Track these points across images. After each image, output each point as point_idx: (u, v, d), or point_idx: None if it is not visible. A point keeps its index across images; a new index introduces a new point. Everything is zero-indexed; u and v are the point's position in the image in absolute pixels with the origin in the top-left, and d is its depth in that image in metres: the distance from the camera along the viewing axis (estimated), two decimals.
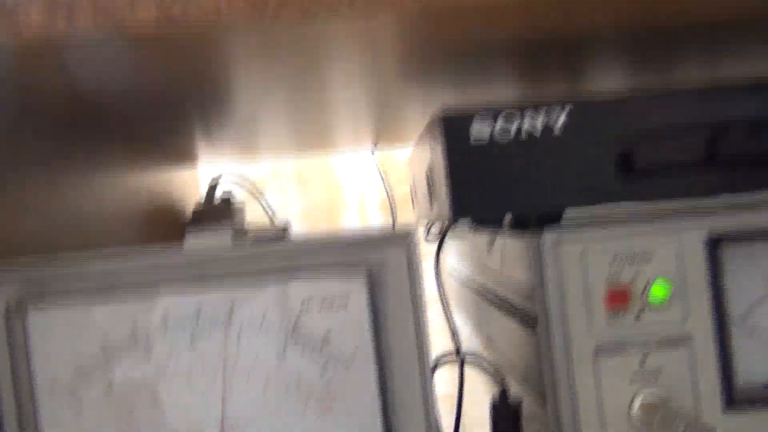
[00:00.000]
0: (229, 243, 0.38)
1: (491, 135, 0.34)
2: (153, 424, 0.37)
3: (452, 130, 0.35)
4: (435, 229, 0.56)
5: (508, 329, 0.49)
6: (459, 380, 0.52)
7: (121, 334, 0.37)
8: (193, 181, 0.93)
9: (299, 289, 0.37)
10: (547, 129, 0.35)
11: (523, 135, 0.35)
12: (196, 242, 0.38)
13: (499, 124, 0.35)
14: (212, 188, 0.84)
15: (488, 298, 0.55)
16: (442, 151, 0.35)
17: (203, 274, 0.37)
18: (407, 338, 0.38)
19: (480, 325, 0.63)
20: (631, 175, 0.36)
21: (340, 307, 0.37)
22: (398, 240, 0.37)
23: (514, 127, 0.34)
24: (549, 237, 0.36)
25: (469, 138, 0.34)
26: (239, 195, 0.85)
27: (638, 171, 0.36)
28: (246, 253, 0.37)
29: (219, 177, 0.84)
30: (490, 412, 0.39)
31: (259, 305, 0.37)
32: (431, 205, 0.45)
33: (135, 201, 0.69)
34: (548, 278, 0.36)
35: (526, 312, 0.44)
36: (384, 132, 0.84)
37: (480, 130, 0.34)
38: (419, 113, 0.68)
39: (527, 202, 0.36)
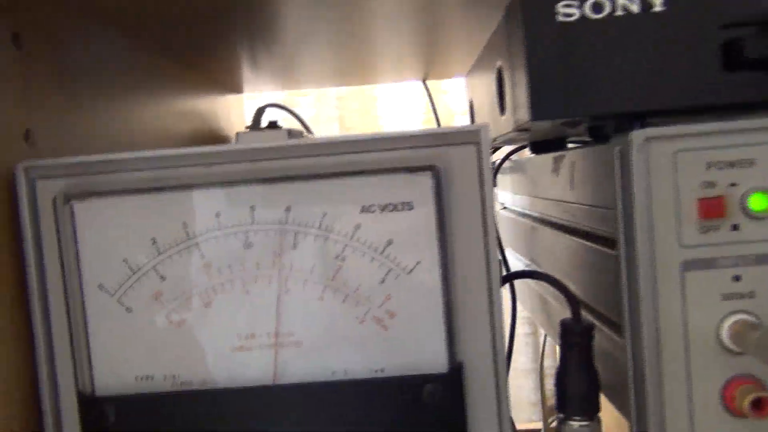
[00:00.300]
0: (286, 139, 0.36)
1: (581, 10, 0.30)
2: (203, 328, 0.35)
3: (534, 7, 0.31)
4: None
5: (576, 255, 0.46)
6: (511, 297, 0.49)
7: (172, 231, 0.34)
8: (239, 108, 0.91)
9: (361, 190, 0.34)
10: (646, 4, 0.30)
11: (619, 10, 0.30)
12: (250, 138, 0.36)
13: None
14: (259, 113, 0.82)
15: (553, 226, 0.52)
16: (522, 35, 0.31)
17: (258, 172, 0.35)
18: (474, 245, 0.35)
19: (538, 256, 0.59)
20: (737, 70, 0.32)
21: (405, 209, 0.34)
22: (468, 137, 0.34)
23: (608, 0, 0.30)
24: (637, 137, 0.33)
25: (554, 16, 0.30)
26: (284, 124, 0.83)
27: (746, 64, 0.31)
28: (305, 144, 0.34)
29: (266, 105, 0.82)
30: (560, 331, 0.36)
31: (318, 207, 0.34)
32: (502, 113, 0.41)
33: (187, 124, 0.68)
34: (634, 185, 0.33)
35: (600, 233, 0.41)
36: (432, 64, 0.80)
37: (568, 4, 0.30)
38: (469, 43, 0.64)
39: (617, 97, 0.33)
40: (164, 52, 0.61)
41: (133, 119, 0.53)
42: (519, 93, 0.35)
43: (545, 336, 0.86)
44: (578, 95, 0.32)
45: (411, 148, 0.34)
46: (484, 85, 0.50)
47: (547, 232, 0.53)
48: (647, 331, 0.33)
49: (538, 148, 0.57)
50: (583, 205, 0.43)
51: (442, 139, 0.34)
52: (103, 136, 0.47)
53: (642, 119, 0.35)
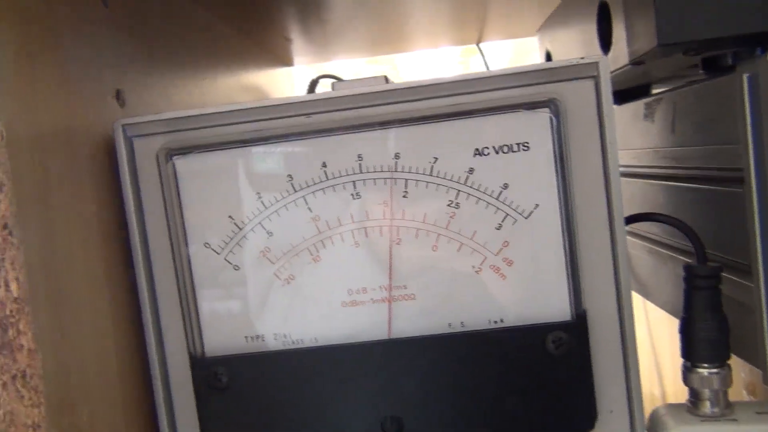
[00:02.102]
0: (384, 85, 0.34)
1: None
2: (313, 284, 0.34)
3: None
4: None
5: (683, 201, 0.44)
6: None
7: (278, 184, 0.33)
8: (290, 83, 0.90)
9: (474, 132, 0.32)
10: None
11: None
12: (347, 86, 0.34)
13: None
14: (313, 84, 0.81)
15: (648, 177, 0.49)
16: None
17: (363, 119, 0.33)
18: (595, 186, 0.33)
19: (632, 210, 0.57)
20: None
21: (522, 150, 0.32)
22: (585, 70, 0.32)
23: None
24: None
25: None
26: None
27: None
28: (409, 87, 0.33)
29: (320, 76, 0.81)
30: (685, 276, 0.34)
31: (428, 152, 0.33)
32: (605, 52, 0.39)
33: (248, 96, 0.67)
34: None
35: (714, 175, 0.38)
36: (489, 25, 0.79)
37: None
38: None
39: (745, 16, 0.30)
40: (228, 21, 0.59)
41: (204, 88, 0.52)
42: (638, 21, 0.33)
43: None
44: (706, 15, 0.30)
45: (523, 86, 0.33)
46: (573, 31, 0.47)
47: (639, 184, 0.51)
48: None
49: (621, 98, 0.54)
50: (691, 146, 0.41)
51: (557, 74, 0.32)
52: (181, 102, 0.46)
53: (766, 45, 0.33)
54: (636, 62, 0.34)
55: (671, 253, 0.47)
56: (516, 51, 1.10)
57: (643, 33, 0.32)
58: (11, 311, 0.27)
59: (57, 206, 0.29)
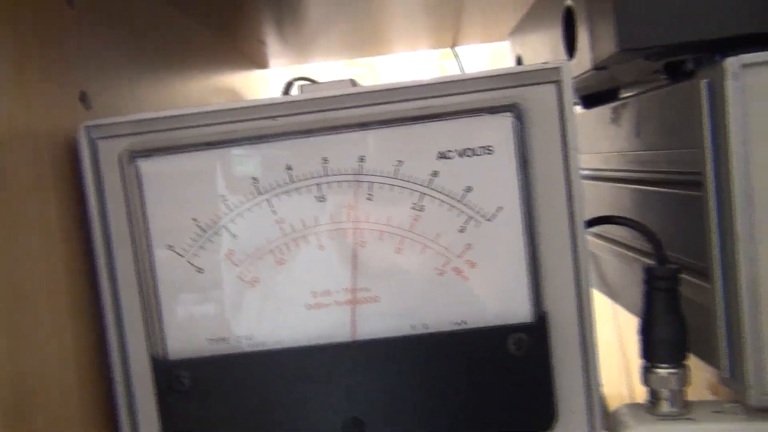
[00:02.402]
0: (351, 88, 0.34)
1: None
2: (277, 286, 0.34)
3: None
4: None
5: (645, 204, 0.44)
6: None
7: (242, 187, 0.33)
8: (264, 83, 0.90)
9: (437, 136, 0.33)
10: None
11: None
12: (314, 89, 0.34)
13: None
14: (288, 86, 0.81)
15: (613, 180, 0.50)
16: None
17: (328, 122, 0.33)
18: (557, 190, 0.33)
19: (597, 212, 0.58)
20: None
21: (485, 153, 0.33)
22: (548, 75, 0.33)
23: None
24: (731, 64, 0.31)
25: None
26: None
27: None
28: (375, 90, 0.33)
29: (295, 78, 0.81)
30: (645, 277, 0.35)
31: (392, 155, 0.33)
32: (570, 57, 0.39)
33: (221, 98, 0.67)
34: (730, 116, 0.31)
35: (675, 178, 0.39)
36: (463, 30, 0.79)
37: None
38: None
39: (706, 22, 0.31)
40: (200, 22, 0.59)
41: (174, 90, 0.52)
42: (600, 26, 0.33)
43: None
44: (666, 21, 0.31)
45: (486, 90, 0.33)
46: (541, 36, 0.48)
47: (606, 187, 0.51)
48: (746, 271, 0.32)
49: (589, 102, 0.55)
50: (654, 150, 0.42)
51: (519, 79, 0.33)
52: (150, 104, 0.45)
53: (725, 51, 0.34)
54: (598, 67, 0.35)
55: (637, 256, 0.47)
56: (493, 55, 1.11)
57: (605, 38, 0.33)
58: None
59: (17, 209, 0.29)
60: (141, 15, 0.46)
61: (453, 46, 0.87)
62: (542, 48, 0.48)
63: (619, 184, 0.49)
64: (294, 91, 0.80)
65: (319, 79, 0.83)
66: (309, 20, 0.67)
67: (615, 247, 0.52)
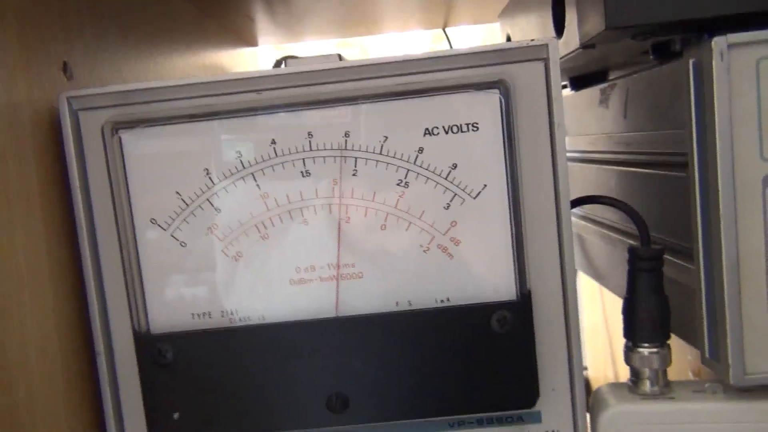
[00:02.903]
0: (337, 62, 0.34)
1: None
2: (261, 261, 0.33)
3: None
4: None
5: (632, 186, 0.44)
6: None
7: (226, 160, 0.33)
8: (253, 61, 0.89)
9: (424, 111, 0.32)
10: None
11: None
12: (300, 63, 0.34)
13: None
14: (277, 64, 0.80)
15: (601, 162, 0.50)
16: None
17: (314, 96, 0.33)
18: (543, 168, 0.33)
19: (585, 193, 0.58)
20: None
21: (471, 130, 0.32)
22: (535, 53, 0.32)
23: None
24: (718, 44, 0.31)
25: None
26: None
27: None
28: (361, 65, 0.33)
29: (284, 57, 0.81)
30: (629, 257, 0.35)
31: (378, 131, 0.33)
32: (559, 36, 0.39)
33: (204, 74, 0.66)
34: (716, 96, 0.31)
35: (661, 159, 0.39)
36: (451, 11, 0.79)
37: None
38: None
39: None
40: (187, 11, 0.58)
41: (159, 64, 0.51)
42: (588, 4, 0.33)
43: None
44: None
45: (473, 67, 0.33)
46: (531, 16, 0.48)
47: (594, 169, 0.51)
48: (727, 252, 0.32)
49: (578, 84, 0.55)
50: (641, 132, 0.42)
51: (506, 56, 0.32)
52: (133, 78, 0.45)
53: (713, 31, 0.34)
54: (586, 45, 0.35)
55: (623, 238, 0.47)
56: (486, 37, 1.11)
57: (592, 16, 0.32)
58: None
59: None
60: None
61: (444, 27, 0.86)
62: (531, 28, 0.48)
63: (606, 166, 0.49)
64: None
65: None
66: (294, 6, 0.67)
67: (601, 230, 0.52)
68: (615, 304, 0.79)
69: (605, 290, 0.57)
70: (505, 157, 0.32)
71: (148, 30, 0.49)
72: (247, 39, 0.83)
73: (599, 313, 0.85)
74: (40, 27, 0.33)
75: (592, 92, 0.51)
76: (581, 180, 0.55)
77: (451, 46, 0.85)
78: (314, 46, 0.97)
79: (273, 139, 0.33)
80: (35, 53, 0.32)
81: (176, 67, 0.56)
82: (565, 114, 0.32)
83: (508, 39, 0.60)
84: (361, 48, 1.21)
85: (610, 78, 0.52)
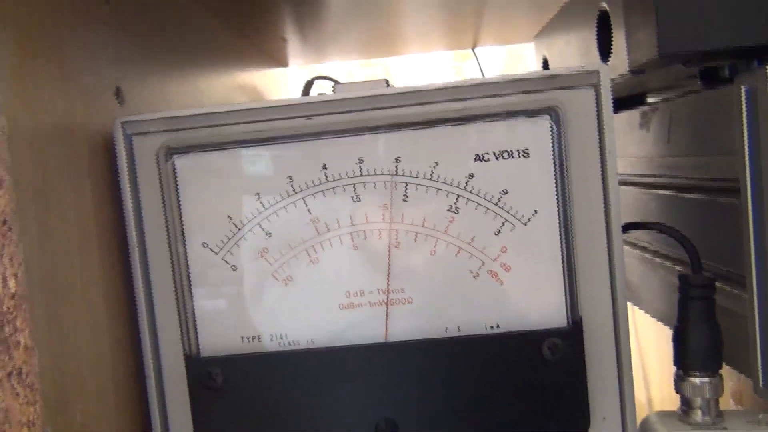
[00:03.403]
0: (387, 89, 0.34)
1: None
2: (311, 285, 0.34)
3: None
4: None
5: (676, 210, 0.44)
6: None
7: (277, 185, 0.33)
8: (284, 80, 0.90)
9: (474, 137, 0.33)
10: None
11: None
12: (348, 89, 0.34)
13: None
14: (308, 85, 0.81)
15: (642, 185, 0.50)
16: None
17: (364, 122, 0.33)
18: (593, 194, 0.33)
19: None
20: None
21: (522, 156, 0.32)
22: (586, 79, 0.32)
23: None
24: None
25: None
26: None
27: None
28: (412, 91, 0.33)
29: (315, 77, 0.81)
30: (680, 285, 0.35)
31: (429, 157, 0.33)
32: (604, 60, 0.39)
33: (244, 96, 0.67)
34: None
35: (710, 185, 0.39)
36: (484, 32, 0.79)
37: None
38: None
39: (749, 29, 0.31)
40: (225, 20, 0.59)
41: (200, 87, 0.52)
42: (639, 31, 0.33)
43: None
44: (707, 26, 0.31)
45: (523, 93, 0.33)
46: (571, 38, 0.48)
47: (633, 191, 0.51)
48: None
49: (617, 106, 0.55)
50: (686, 156, 0.41)
51: (558, 82, 0.32)
52: (178, 100, 0.45)
53: (764, 58, 0.33)
54: (636, 71, 0.35)
55: (662, 261, 0.47)
56: (508, 57, 1.11)
57: (644, 42, 0.32)
58: (8, 308, 0.26)
59: (55, 203, 0.29)
60: (168, 13, 0.46)
61: (473, 47, 0.87)
62: (571, 51, 0.48)
63: (646, 189, 0.49)
64: (314, 90, 0.80)
65: (339, 79, 0.83)
66: (329, 19, 0.67)
67: (638, 252, 0.52)
68: (647, 327, 0.78)
69: (637, 311, 0.56)
70: (556, 183, 0.32)
71: (190, 53, 0.50)
72: (279, 59, 0.84)
73: (632, 334, 0.84)
74: (95, 53, 0.34)
75: (631, 115, 0.50)
76: (624, 202, 0.54)
77: (480, 68, 0.85)
78: (338, 66, 0.98)
79: (324, 164, 0.33)
80: (90, 78, 0.33)
81: (215, 88, 0.56)
82: None
83: (545, 61, 0.60)
84: (383, 68, 1.22)
85: (649, 101, 0.52)
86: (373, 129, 0.33)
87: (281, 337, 0.34)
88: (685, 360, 0.35)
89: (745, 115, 0.32)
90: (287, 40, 0.76)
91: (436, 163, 0.33)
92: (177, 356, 0.34)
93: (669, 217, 0.45)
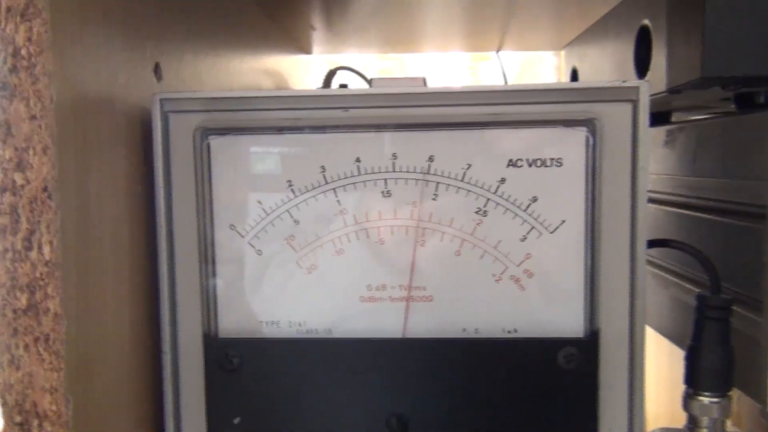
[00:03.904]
0: (426, 87, 0.34)
1: None
2: (334, 276, 0.34)
3: None
4: None
5: (696, 231, 0.44)
6: None
7: (310, 174, 0.33)
8: (306, 68, 0.90)
9: (509, 143, 0.33)
10: None
11: None
12: (385, 84, 0.34)
13: None
14: (330, 74, 0.81)
15: (663, 203, 0.50)
16: None
17: (400, 119, 0.33)
18: (621, 209, 0.33)
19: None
20: None
21: (555, 165, 0.33)
22: (625, 94, 0.33)
23: None
24: None
25: None
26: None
27: None
28: (450, 91, 0.33)
29: (338, 68, 0.81)
30: (697, 305, 0.35)
31: (462, 158, 0.33)
32: (641, 76, 0.39)
33: (270, 81, 0.67)
34: None
35: (734, 208, 0.39)
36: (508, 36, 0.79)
37: None
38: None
39: None
40: (259, 4, 0.59)
41: (231, 68, 0.52)
42: (682, 50, 0.33)
43: None
44: (753, 52, 0.31)
45: (561, 102, 0.33)
46: (605, 51, 0.48)
47: (652, 208, 0.51)
48: None
49: None
50: (711, 177, 0.42)
51: (596, 94, 0.33)
52: (210, 81, 0.46)
53: None
54: (674, 90, 0.35)
55: (675, 279, 0.47)
56: (524, 64, 1.11)
57: (686, 63, 0.33)
58: (41, 274, 0.27)
59: (93, 174, 0.29)
60: None
61: (498, 50, 0.87)
62: (604, 64, 0.48)
63: (667, 207, 0.49)
64: (336, 80, 0.80)
65: (360, 71, 0.83)
66: (357, 11, 0.67)
67: (650, 267, 0.52)
68: (648, 342, 0.79)
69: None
70: (586, 194, 0.33)
71: (223, 33, 0.50)
72: (304, 47, 0.85)
73: None
74: (139, 27, 0.34)
75: (656, 132, 0.51)
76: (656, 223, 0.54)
77: (503, 71, 0.85)
78: (355, 58, 0.98)
79: (358, 158, 0.33)
80: (134, 52, 0.33)
81: (244, 71, 0.56)
82: None
83: (574, 71, 0.60)
84: (399, 62, 1.22)
85: (674, 120, 0.52)
86: (409, 126, 0.33)
87: (300, 325, 0.34)
88: (695, 379, 0.35)
89: None
90: (315, 29, 0.76)
91: (469, 165, 0.33)
92: (194, 335, 0.34)
93: (687, 235, 0.45)
